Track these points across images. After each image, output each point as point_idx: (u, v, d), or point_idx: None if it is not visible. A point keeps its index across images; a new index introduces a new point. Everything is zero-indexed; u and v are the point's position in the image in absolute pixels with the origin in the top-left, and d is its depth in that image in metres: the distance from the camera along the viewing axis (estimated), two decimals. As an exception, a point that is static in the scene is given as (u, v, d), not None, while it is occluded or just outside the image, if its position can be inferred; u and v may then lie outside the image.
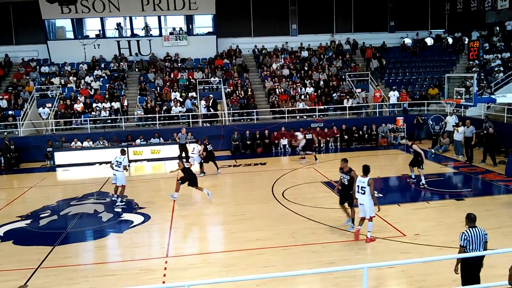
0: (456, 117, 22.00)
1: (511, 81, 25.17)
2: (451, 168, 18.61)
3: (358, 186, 10.69)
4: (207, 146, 18.87)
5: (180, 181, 14.72)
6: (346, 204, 11.73)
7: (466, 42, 29.55)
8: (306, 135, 21.75)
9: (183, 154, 21.76)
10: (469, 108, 22.79)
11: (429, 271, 9.01)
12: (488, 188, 15.67)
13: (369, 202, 10.59)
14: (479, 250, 7.41)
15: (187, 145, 21.49)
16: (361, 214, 10.81)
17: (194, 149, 19.51)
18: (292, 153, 23.09)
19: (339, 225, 11.85)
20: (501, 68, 26.54)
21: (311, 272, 8.92)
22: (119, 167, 14.95)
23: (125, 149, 16.81)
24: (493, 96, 20.24)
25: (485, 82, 26.13)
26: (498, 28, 30.73)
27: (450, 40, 31.79)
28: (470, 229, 7.50)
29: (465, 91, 21.30)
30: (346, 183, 11.41)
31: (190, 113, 24.71)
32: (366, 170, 10.72)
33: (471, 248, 7.41)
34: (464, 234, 7.46)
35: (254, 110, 25.25)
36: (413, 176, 16.16)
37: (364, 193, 10.59)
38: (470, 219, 7.61)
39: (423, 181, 15.51)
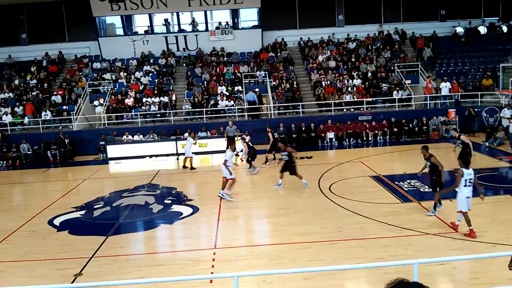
0: None
1: None
2: (506, 162, 17.84)
3: (466, 179, 10.20)
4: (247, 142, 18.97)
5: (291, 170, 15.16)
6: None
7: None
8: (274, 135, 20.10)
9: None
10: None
11: (482, 268, 8.72)
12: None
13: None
14: None
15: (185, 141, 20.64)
16: (465, 208, 10.30)
17: (187, 143, 19.89)
18: (339, 146, 22.86)
19: (389, 220, 11.63)
20: (561, 57, 25.17)
21: (360, 266, 8.80)
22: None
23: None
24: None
25: (543, 71, 24.91)
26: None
27: (504, 28, 30.32)
28: None
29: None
30: (428, 170, 11.87)
31: (237, 107, 24.91)
32: (468, 161, 10.44)
33: None
34: None
35: (300, 103, 25.12)
36: None
37: (471, 185, 10.27)
38: None
39: None
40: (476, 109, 23.50)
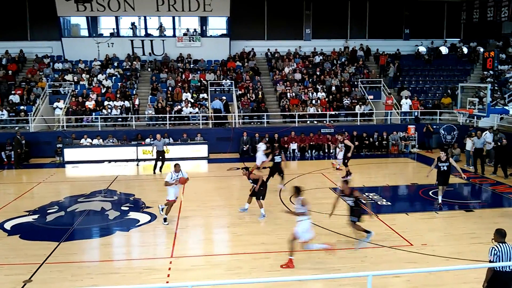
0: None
1: (526, 93, 24.89)
2: (462, 178, 18.33)
3: None
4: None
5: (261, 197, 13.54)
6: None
7: (481, 52, 29.32)
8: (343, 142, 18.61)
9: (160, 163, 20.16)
10: (482, 118, 22.56)
11: (436, 282, 8.92)
12: (498, 200, 15.49)
13: None
14: (510, 268, 6.98)
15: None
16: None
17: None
18: (301, 157, 23.02)
19: (346, 232, 11.73)
20: (516, 79, 26.27)
21: (316, 277, 8.87)
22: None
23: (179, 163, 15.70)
24: (506, 107, 20.02)
25: (499, 92, 25.91)
26: (514, 39, 30.47)
27: (465, 50, 31.57)
28: (500, 244, 7.12)
29: (478, 101, 21.07)
30: (353, 205, 10.97)
31: (201, 114, 24.77)
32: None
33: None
34: (494, 249, 7.07)
35: (265, 114, 25.21)
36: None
37: None
38: (500, 235, 7.24)
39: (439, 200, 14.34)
40: (434, 126, 24.17)
